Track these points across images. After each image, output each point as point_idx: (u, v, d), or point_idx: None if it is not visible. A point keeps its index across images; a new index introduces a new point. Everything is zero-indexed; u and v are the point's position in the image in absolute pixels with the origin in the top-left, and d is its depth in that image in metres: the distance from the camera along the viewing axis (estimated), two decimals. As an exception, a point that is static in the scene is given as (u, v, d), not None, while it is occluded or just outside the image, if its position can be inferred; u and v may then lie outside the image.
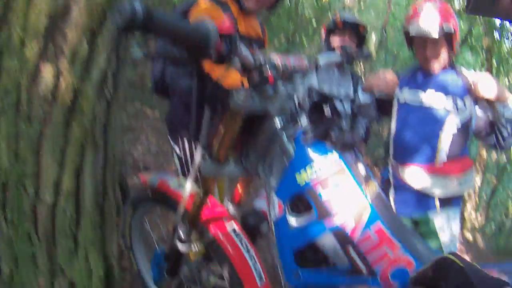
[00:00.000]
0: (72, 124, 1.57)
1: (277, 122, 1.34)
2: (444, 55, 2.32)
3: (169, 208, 1.99)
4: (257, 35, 2.29)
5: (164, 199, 1.98)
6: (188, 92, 2.17)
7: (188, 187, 1.63)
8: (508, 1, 1.22)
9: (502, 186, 13.84)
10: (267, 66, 1.24)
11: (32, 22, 1.48)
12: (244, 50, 1.16)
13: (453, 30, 2.24)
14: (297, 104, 1.35)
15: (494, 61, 11.78)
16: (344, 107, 2.79)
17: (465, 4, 1.48)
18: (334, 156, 1.25)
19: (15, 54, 1.49)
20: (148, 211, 2.25)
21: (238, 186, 1.84)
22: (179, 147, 2.34)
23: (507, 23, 10.46)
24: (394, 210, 2.42)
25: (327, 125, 1.29)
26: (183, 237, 1.71)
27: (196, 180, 1.73)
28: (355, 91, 2.84)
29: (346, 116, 2.80)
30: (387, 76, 2.49)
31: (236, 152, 1.53)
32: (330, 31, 2.90)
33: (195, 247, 1.77)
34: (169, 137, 2.45)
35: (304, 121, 1.31)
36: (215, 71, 1.76)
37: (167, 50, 1.60)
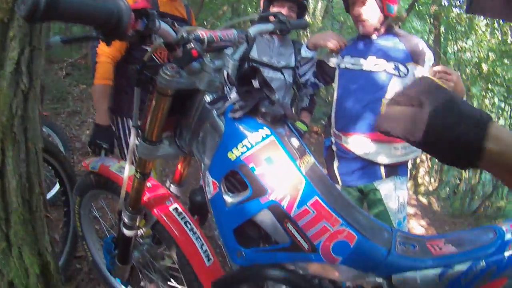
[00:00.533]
0: None
1: (207, 98, 1.30)
2: (375, 15, 2.30)
3: (113, 193, 1.95)
4: (181, 15, 2.45)
5: (107, 184, 1.93)
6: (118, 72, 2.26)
7: (127, 170, 1.57)
8: (508, 1, 1.21)
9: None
10: (191, 40, 1.19)
11: None
12: (164, 25, 1.11)
13: None
14: (226, 78, 1.31)
15: (442, 28, 12.02)
16: (285, 76, 2.76)
17: (466, 4, 1.48)
18: (265, 130, 1.22)
19: None
20: (94, 198, 2.20)
21: (179, 164, 1.80)
22: (115, 126, 2.41)
23: None
24: (337, 182, 2.46)
25: (256, 98, 1.25)
26: (128, 222, 1.67)
27: (134, 163, 1.68)
28: (297, 60, 2.81)
29: (287, 86, 2.78)
30: (334, 35, 2.48)
31: (170, 132, 1.49)
32: (268, 1, 2.75)
33: (142, 231, 1.74)
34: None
35: (233, 95, 1.27)
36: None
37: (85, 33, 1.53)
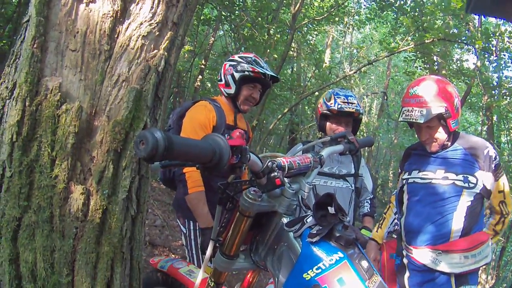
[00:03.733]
0: (102, 242, 1.69)
1: (284, 220, 1.42)
2: (440, 135, 2.37)
3: (178, 293, 2.04)
4: (245, 128, 2.85)
5: (174, 285, 2.04)
6: None
7: (200, 276, 1.67)
8: (508, 0, 1.27)
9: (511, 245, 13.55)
10: (275, 169, 1.32)
11: (60, 140, 1.62)
12: (253, 157, 1.24)
13: (444, 110, 2.28)
14: (301, 201, 1.43)
15: (494, 118, 11.90)
16: (349, 184, 2.88)
17: (466, 4, 1.53)
18: (338, 254, 1.32)
19: (46, 171, 1.61)
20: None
21: (249, 273, 1.90)
22: (185, 227, 2.66)
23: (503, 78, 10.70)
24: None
25: (331, 223, 1.36)
26: None
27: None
28: (357, 166, 2.94)
29: (351, 193, 2.88)
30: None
31: (246, 246, 1.60)
32: (325, 118, 2.93)
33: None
34: (178, 219, 2.78)
35: (310, 219, 1.39)
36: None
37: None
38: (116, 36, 1.72)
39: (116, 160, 1.70)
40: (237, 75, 2.62)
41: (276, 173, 1.31)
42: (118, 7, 1.69)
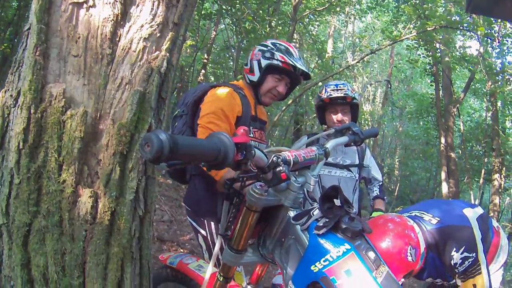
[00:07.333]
0: (111, 243, 1.72)
1: (291, 213, 1.45)
2: None
3: (188, 288, 2.07)
4: (265, 119, 2.63)
5: (184, 280, 2.06)
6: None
7: (209, 271, 1.70)
8: (508, 0, 1.28)
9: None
10: (280, 164, 1.34)
11: (66, 145, 1.64)
12: (258, 153, 1.25)
13: None
14: (307, 194, 1.44)
15: (499, 104, 11.87)
16: (353, 174, 2.90)
17: (466, 4, 1.52)
18: (345, 246, 1.34)
19: (53, 177, 1.64)
20: (168, 290, 2.33)
21: (257, 267, 1.92)
22: (205, 230, 2.41)
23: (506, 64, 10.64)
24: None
25: (337, 215, 1.39)
26: None
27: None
28: (361, 157, 2.96)
29: (355, 183, 2.91)
30: None
31: (253, 239, 1.62)
32: (322, 110, 2.98)
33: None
34: (189, 217, 2.54)
35: (317, 212, 1.41)
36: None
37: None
38: (117, 39, 1.73)
39: (122, 162, 1.72)
40: (263, 62, 2.39)
41: (281, 168, 1.33)
42: (118, 10, 1.70)
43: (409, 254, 1.90)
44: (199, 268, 2.01)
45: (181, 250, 4.77)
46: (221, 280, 1.67)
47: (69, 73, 1.67)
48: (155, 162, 0.95)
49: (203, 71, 10.87)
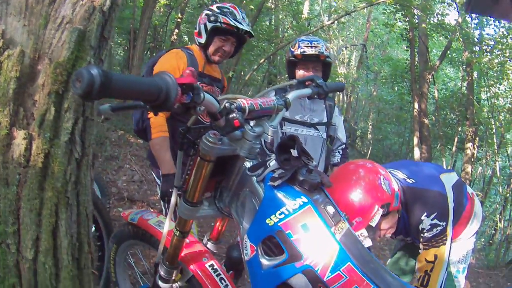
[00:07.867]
0: (45, 187, 1.63)
1: (247, 164, 1.38)
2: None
3: (150, 245, 2.02)
4: (218, 77, 2.80)
5: (145, 236, 2.01)
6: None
7: (166, 226, 1.65)
8: (507, 0, 1.25)
9: (489, 200, 13.87)
10: (234, 110, 1.26)
11: (2, 86, 1.54)
12: (207, 97, 1.17)
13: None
14: (264, 145, 1.37)
15: (475, 74, 11.96)
16: (320, 132, 2.85)
17: (465, 3, 1.49)
18: (302, 199, 1.28)
19: None
20: (130, 247, 2.29)
21: (217, 222, 1.88)
22: (160, 179, 2.54)
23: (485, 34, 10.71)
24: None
25: (294, 167, 1.32)
26: (164, 276, 1.74)
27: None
28: (329, 115, 2.90)
29: (323, 142, 2.86)
30: None
31: (211, 193, 1.56)
32: (293, 65, 2.90)
33: (177, 285, 1.79)
34: (152, 171, 2.73)
35: (273, 163, 1.34)
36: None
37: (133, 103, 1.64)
38: (60, -22, 1.60)
39: (58, 102, 1.62)
40: (209, 26, 2.58)
41: (234, 115, 1.25)
42: None
43: (383, 183, 1.89)
44: (158, 223, 1.95)
45: (151, 210, 4.73)
46: (177, 235, 1.62)
47: (10, 14, 1.57)
48: (86, 98, 0.87)
49: (176, 30, 10.64)
